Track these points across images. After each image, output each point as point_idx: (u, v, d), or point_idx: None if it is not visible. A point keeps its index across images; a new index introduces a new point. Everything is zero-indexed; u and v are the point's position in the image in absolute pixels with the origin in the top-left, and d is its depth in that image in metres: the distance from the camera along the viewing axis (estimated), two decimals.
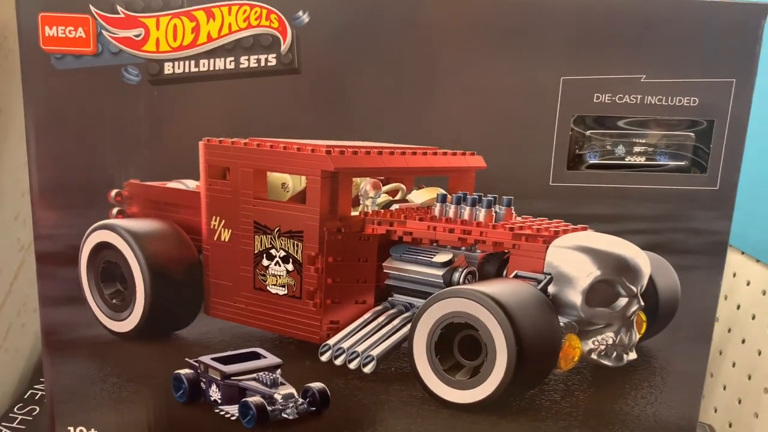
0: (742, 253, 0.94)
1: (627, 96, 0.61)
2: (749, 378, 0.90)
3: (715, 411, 0.96)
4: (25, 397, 0.81)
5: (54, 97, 0.60)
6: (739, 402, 0.91)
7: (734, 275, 0.96)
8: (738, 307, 0.95)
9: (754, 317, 0.91)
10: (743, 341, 0.93)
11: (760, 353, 0.89)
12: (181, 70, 0.59)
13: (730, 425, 0.92)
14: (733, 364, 0.94)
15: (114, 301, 0.71)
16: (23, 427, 0.76)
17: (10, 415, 0.77)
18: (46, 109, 0.60)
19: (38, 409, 0.79)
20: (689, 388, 0.68)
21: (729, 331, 0.96)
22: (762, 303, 0.89)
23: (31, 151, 0.60)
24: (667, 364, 0.69)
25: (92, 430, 0.66)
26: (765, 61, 0.70)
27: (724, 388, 0.95)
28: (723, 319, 0.98)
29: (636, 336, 0.67)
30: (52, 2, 0.57)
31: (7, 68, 0.70)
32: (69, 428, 0.66)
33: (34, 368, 0.85)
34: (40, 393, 0.81)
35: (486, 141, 0.63)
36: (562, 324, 0.64)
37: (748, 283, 0.92)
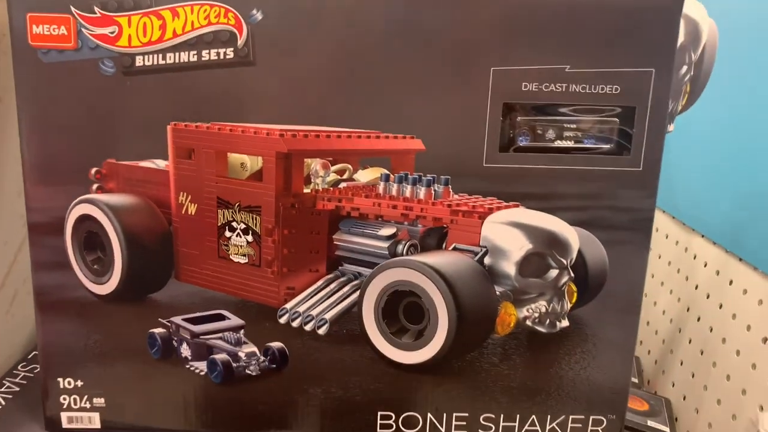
0: (702, 236, 0.97)
1: (553, 85, 0.64)
2: (701, 353, 0.94)
3: (673, 385, 1.00)
4: (29, 357, 0.86)
5: (41, 87, 0.65)
6: (693, 376, 0.95)
7: (695, 257, 0.99)
8: (696, 287, 0.98)
9: (708, 296, 0.94)
10: (698, 319, 0.96)
11: (711, 330, 0.92)
12: (150, 63, 0.64)
13: (684, 398, 0.95)
14: (690, 341, 0.98)
15: (95, 266, 0.75)
16: (24, 382, 0.81)
17: (14, 371, 0.83)
18: (35, 97, 0.65)
19: (39, 367, 0.81)
20: (620, 355, 0.71)
21: (688, 310, 0.99)
22: (716, 283, 0.92)
23: (22, 133, 0.65)
24: (598, 332, 0.71)
25: (78, 381, 0.71)
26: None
27: (682, 363, 0.99)
28: (683, 299, 1.01)
29: (567, 305, 0.70)
30: (38, 4, 0.63)
31: (6, 62, 0.76)
32: (59, 379, 0.71)
33: None
34: None
35: (425, 126, 0.66)
36: (498, 293, 0.67)
37: (706, 265, 0.96)
